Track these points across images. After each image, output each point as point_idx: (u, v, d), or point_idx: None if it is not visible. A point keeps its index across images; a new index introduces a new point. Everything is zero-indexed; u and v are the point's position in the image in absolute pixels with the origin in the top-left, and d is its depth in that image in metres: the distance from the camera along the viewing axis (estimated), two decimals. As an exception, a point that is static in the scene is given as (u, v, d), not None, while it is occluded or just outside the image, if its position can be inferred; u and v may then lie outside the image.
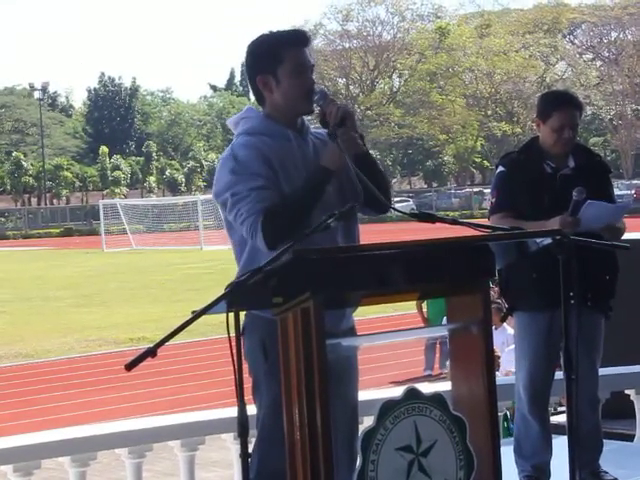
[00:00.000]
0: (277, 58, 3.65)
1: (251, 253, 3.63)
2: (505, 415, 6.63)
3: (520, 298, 5.00)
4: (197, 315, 2.91)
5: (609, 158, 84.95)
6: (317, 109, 3.69)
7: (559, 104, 4.98)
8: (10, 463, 4.78)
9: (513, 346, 9.43)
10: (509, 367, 9.38)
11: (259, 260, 3.36)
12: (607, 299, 5.04)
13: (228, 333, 2.89)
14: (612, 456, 5.30)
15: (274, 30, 3.75)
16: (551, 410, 6.20)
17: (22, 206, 79.67)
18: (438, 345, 13.51)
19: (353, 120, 3.56)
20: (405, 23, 76.49)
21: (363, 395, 3.84)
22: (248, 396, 3.13)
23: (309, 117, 3.86)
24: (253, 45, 3.74)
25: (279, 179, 3.60)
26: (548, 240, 3.46)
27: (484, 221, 4.81)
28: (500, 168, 5.10)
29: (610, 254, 4.93)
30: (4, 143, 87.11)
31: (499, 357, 10.26)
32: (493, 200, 5.08)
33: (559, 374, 5.02)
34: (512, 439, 5.20)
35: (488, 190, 6.05)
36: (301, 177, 3.60)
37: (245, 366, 3.27)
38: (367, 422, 3.04)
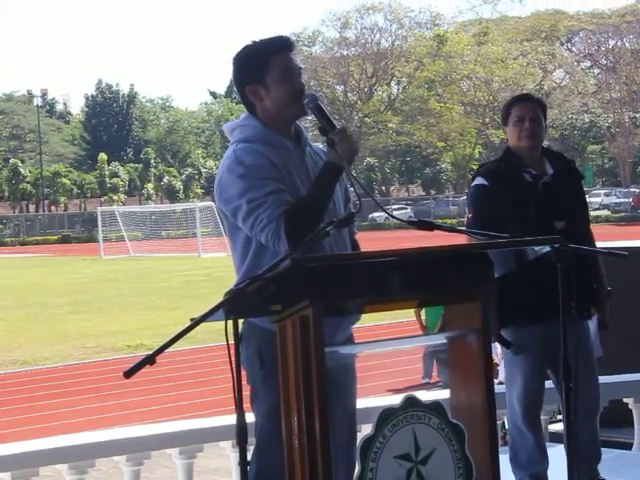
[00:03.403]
0: (264, 66, 3.65)
1: (256, 254, 3.61)
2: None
3: (511, 312, 4.93)
4: (196, 323, 2.90)
5: (607, 166, 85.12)
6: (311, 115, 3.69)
7: (515, 101, 5.13)
8: (7, 471, 4.76)
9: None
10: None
11: (264, 260, 3.41)
12: (588, 304, 4.96)
13: (227, 341, 2.88)
14: (611, 464, 5.30)
15: (257, 40, 3.75)
16: (549, 419, 6.21)
17: (20, 213, 79.69)
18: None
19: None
20: (403, 30, 76.52)
21: (361, 403, 3.83)
22: (247, 404, 3.13)
23: (306, 124, 3.85)
24: (239, 57, 3.73)
25: (286, 183, 3.59)
26: (547, 248, 3.46)
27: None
28: (479, 180, 4.95)
29: (593, 260, 4.89)
30: (2, 150, 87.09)
31: (497, 365, 10.25)
32: (470, 216, 4.92)
33: (549, 383, 5.02)
34: (507, 448, 5.19)
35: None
36: (303, 186, 3.60)
37: (244, 373, 3.26)
38: (365, 430, 3.04)
